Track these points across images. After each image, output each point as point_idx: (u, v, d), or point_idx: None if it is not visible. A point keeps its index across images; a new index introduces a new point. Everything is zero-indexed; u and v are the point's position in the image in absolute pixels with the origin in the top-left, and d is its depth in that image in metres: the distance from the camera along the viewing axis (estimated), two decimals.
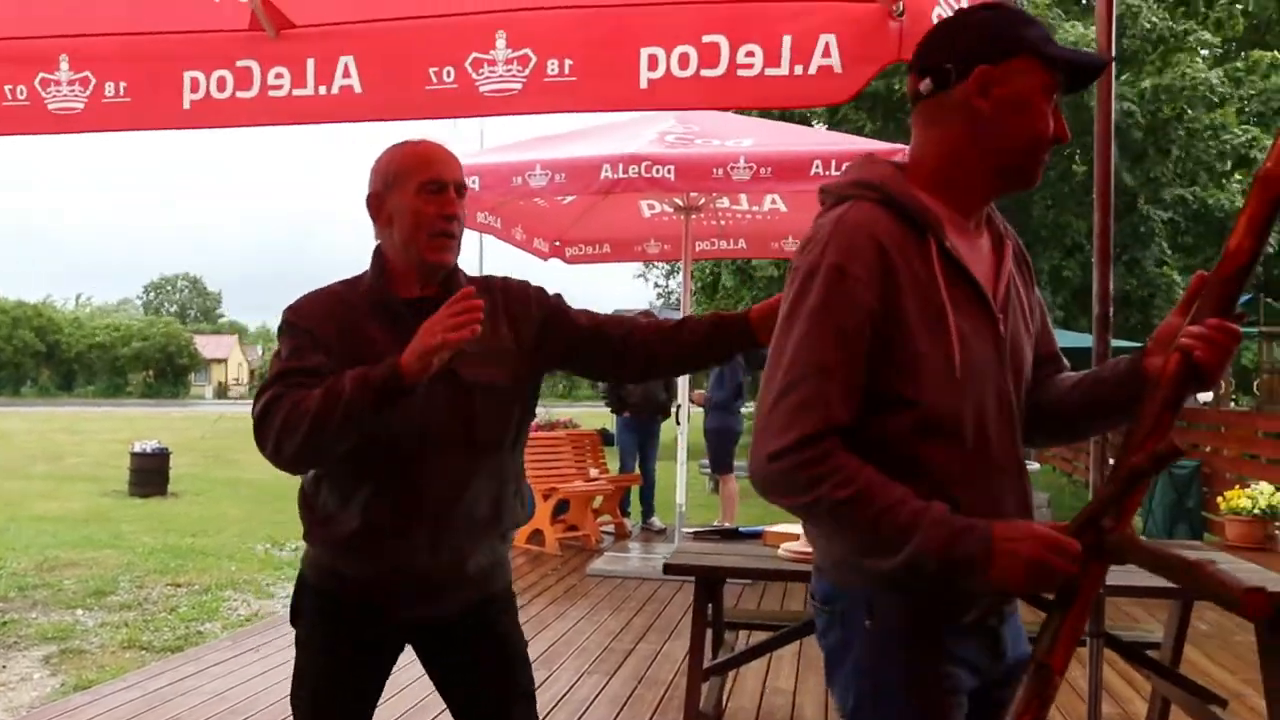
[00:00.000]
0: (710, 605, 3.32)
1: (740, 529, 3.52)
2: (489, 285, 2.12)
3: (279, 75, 3.01)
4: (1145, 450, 1.41)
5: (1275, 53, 17.13)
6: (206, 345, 75.31)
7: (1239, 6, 18.80)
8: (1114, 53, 2.66)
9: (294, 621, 2.16)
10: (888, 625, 1.53)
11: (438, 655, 2.14)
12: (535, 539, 8.51)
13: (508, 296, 2.12)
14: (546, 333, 2.12)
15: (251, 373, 77.17)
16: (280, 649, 5.22)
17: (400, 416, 1.89)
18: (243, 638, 5.54)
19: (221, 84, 3.03)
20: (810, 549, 3.01)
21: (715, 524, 6.69)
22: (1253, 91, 16.21)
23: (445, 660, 2.13)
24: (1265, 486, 8.68)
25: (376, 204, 2.04)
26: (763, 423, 1.46)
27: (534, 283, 2.19)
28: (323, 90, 2.99)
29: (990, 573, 1.39)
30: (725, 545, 3.33)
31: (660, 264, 30.07)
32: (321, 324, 1.97)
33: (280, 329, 2.01)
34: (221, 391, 72.55)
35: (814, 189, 5.32)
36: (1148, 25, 14.61)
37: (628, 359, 2.15)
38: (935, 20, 2.49)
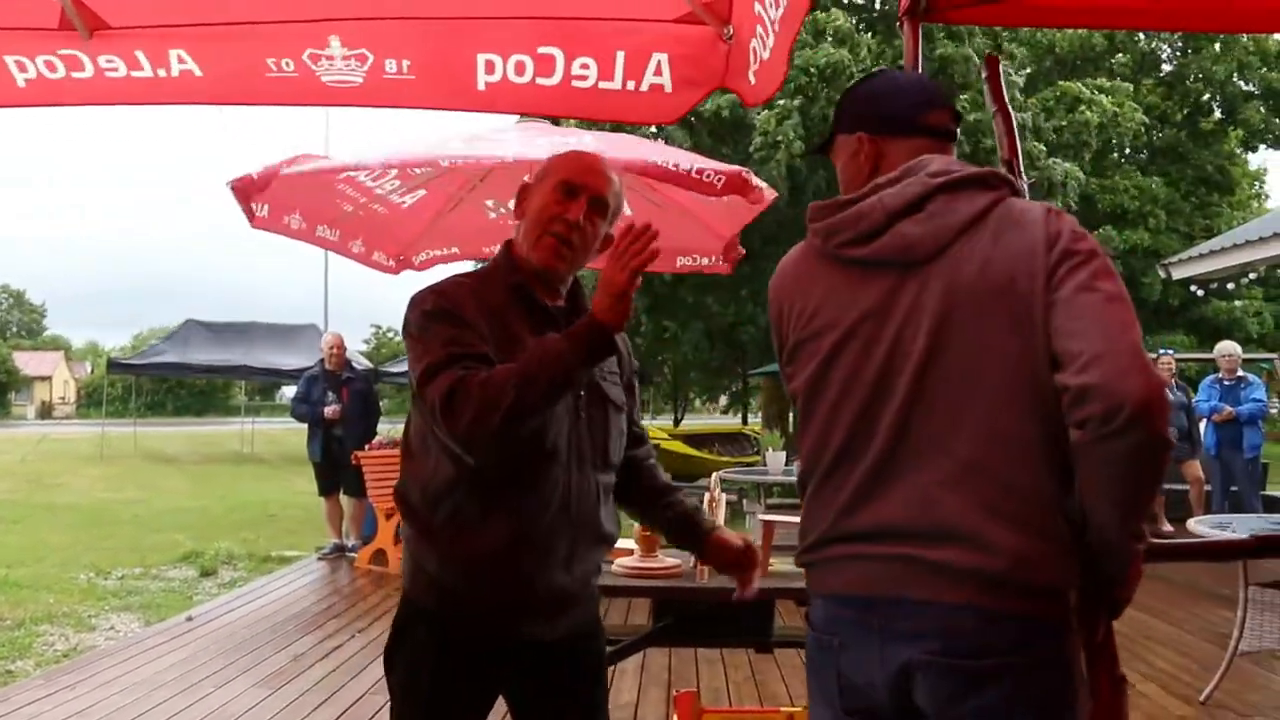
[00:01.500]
0: None
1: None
2: None
3: (110, 61, 2.87)
4: None
5: (1081, 85, 18.27)
6: (28, 362, 70.55)
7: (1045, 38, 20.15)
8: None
9: (393, 661, 2.03)
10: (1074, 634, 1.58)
11: (537, 676, 2.03)
12: (378, 559, 8.32)
13: None
14: (630, 381, 2.18)
15: (79, 391, 72.71)
16: (98, 685, 4.94)
17: (556, 426, 1.89)
18: (57, 675, 5.20)
19: (51, 66, 2.87)
20: (658, 565, 3.03)
21: None
22: (1062, 123, 17.29)
23: (543, 682, 2.04)
24: None
25: (523, 195, 2.06)
26: (1138, 350, 1.44)
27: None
28: (161, 73, 2.87)
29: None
30: None
31: None
32: (478, 318, 1.90)
33: (431, 313, 1.90)
34: (46, 411, 68.03)
35: (651, 187, 5.29)
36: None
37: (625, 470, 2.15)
38: (753, 48, 2.56)
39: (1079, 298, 1.49)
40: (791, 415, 22.49)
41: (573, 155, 2.06)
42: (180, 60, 2.84)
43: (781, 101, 15.08)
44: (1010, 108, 2.09)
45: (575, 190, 1.97)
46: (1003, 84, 2.11)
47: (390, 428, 10.31)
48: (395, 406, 30.07)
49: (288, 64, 2.84)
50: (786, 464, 8.97)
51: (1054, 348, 1.49)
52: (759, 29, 2.44)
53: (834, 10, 16.72)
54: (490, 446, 1.80)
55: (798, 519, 3.14)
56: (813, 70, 14.98)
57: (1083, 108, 17.36)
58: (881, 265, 1.60)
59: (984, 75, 2.12)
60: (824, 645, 1.63)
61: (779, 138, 14.81)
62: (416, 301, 1.94)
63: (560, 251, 1.97)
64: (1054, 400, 1.49)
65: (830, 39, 15.61)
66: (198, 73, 2.85)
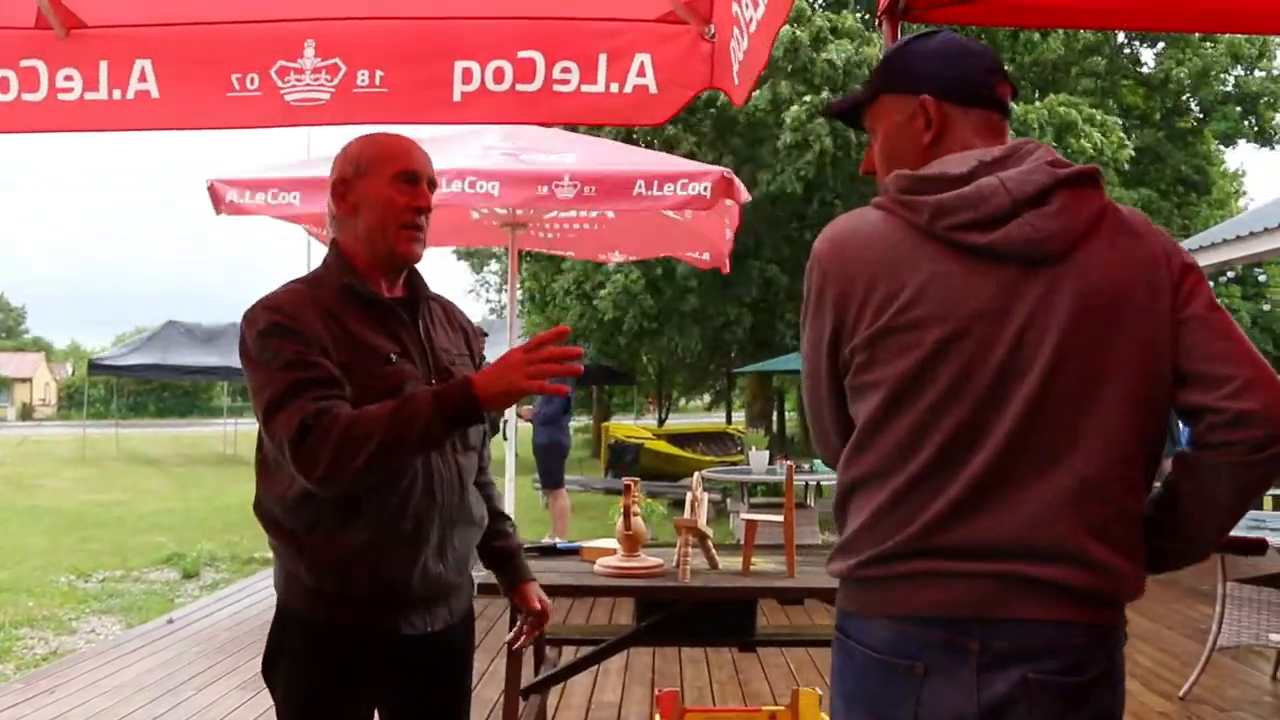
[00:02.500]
0: None
1: (558, 545, 3.51)
2: (436, 296, 2.14)
3: (68, 78, 2.84)
4: None
5: (1076, 110, 18.29)
6: (8, 363, 70.01)
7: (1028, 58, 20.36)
8: None
9: (272, 669, 2.00)
10: None
11: (409, 670, 2.01)
12: None
13: (455, 309, 2.19)
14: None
15: (60, 392, 72.14)
16: (78, 689, 4.91)
17: None
18: (35, 679, 5.15)
19: (4, 85, 2.85)
20: (641, 564, 3.02)
21: (545, 540, 6.66)
22: (1052, 143, 17.33)
23: (412, 674, 2.01)
24: None
25: (343, 190, 1.99)
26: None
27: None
28: (116, 94, 2.83)
29: None
30: (542, 562, 3.31)
31: (493, 278, 29.93)
32: (314, 325, 1.84)
33: (266, 331, 1.83)
34: (27, 413, 67.46)
35: (639, 207, 5.33)
36: None
37: None
38: (731, 49, 2.56)
39: (1215, 317, 1.47)
40: (776, 414, 22.48)
41: (390, 142, 2.02)
42: (141, 78, 2.80)
43: (808, 98, 14.96)
44: None
45: (415, 177, 1.98)
46: None
47: None
48: None
49: (252, 81, 2.79)
50: (770, 463, 8.99)
51: (1190, 367, 1.45)
52: (735, 30, 2.45)
53: (844, 13, 16.77)
54: (342, 489, 1.81)
55: (780, 518, 3.16)
56: (837, 65, 14.87)
57: (1078, 137, 17.33)
58: (1003, 258, 1.45)
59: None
60: (896, 670, 1.46)
61: (810, 137, 14.65)
62: (250, 319, 1.87)
63: (419, 239, 1.99)
64: (1160, 418, 1.48)
65: (848, 38, 15.58)
66: (154, 94, 2.81)
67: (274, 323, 1.84)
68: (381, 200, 1.96)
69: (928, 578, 1.44)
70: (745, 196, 5.05)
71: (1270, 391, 1.41)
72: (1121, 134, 18.28)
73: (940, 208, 1.47)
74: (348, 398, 1.82)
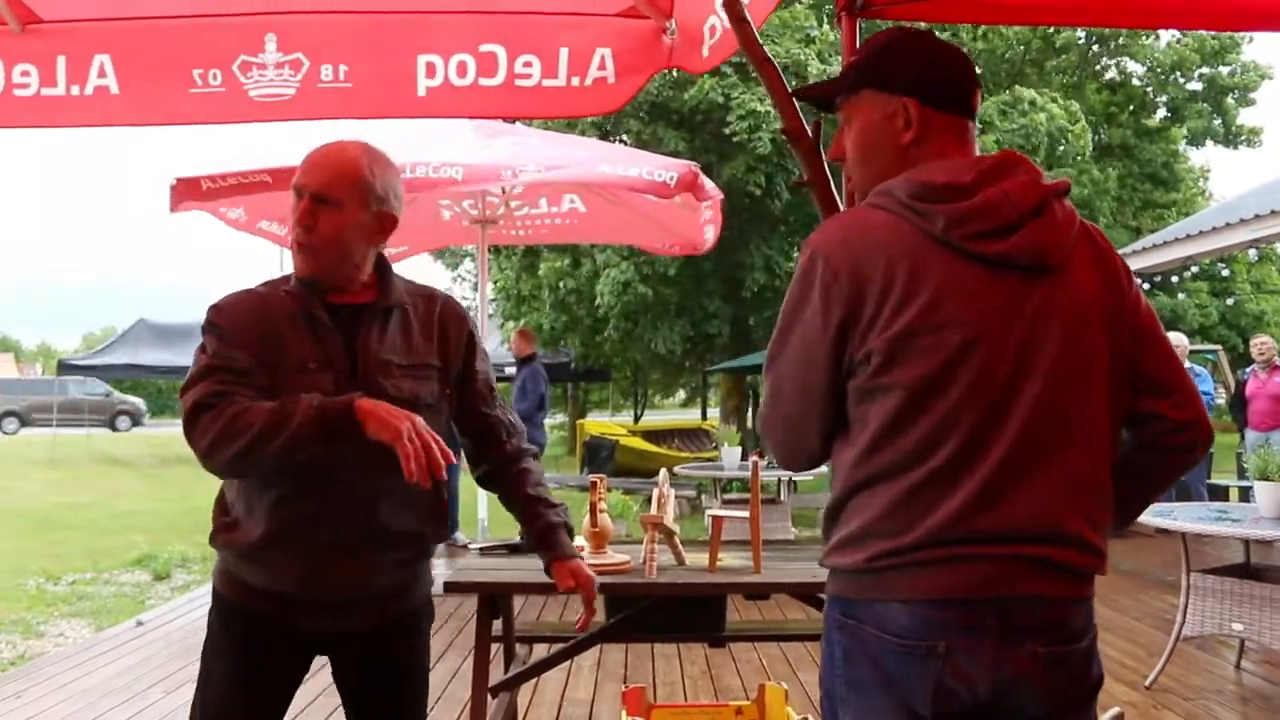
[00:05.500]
0: (500, 620, 3.30)
1: (526, 543, 3.50)
2: (431, 294, 2.13)
3: (25, 74, 2.82)
4: None
5: (1032, 91, 18.56)
6: None
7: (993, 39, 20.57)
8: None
9: (204, 651, 2.12)
10: None
11: (344, 670, 2.14)
12: None
13: (445, 311, 2.13)
14: (465, 369, 2.14)
15: None
16: (46, 692, 4.85)
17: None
18: (4, 683, 5.07)
19: None
20: (608, 561, 3.02)
21: (517, 538, 6.63)
22: (1013, 126, 17.50)
23: (349, 675, 2.14)
24: None
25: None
26: None
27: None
28: (75, 90, 2.81)
29: None
30: (511, 560, 3.32)
31: (467, 278, 29.78)
32: (243, 328, 1.96)
33: (204, 328, 1.99)
34: None
35: (602, 181, 5.30)
36: None
37: (477, 449, 2.21)
38: (706, 33, 2.59)
39: (1160, 332, 1.66)
40: (751, 410, 22.45)
41: (309, 154, 2.02)
42: (100, 74, 2.78)
43: (761, 90, 15.01)
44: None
45: (300, 191, 1.99)
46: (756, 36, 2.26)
47: None
48: None
49: (215, 76, 2.77)
50: (742, 459, 9.01)
51: (1145, 374, 1.62)
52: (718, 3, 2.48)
53: (796, 7, 16.81)
54: (224, 470, 1.92)
55: (745, 514, 3.16)
56: (795, 55, 14.96)
57: (1034, 113, 17.52)
58: (1010, 266, 1.53)
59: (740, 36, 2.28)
60: (916, 651, 1.51)
61: (767, 109, 14.64)
62: (206, 315, 2.02)
63: (301, 255, 1.99)
64: (1122, 415, 1.62)
65: (795, 36, 15.63)
66: (114, 90, 2.79)
67: (211, 321, 1.99)
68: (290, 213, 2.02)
69: (948, 563, 1.50)
70: (714, 193, 5.02)
71: (1199, 402, 1.66)
72: (1081, 118, 18.55)
73: (957, 216, 1.53)
74: (256, 387, 1.90)
